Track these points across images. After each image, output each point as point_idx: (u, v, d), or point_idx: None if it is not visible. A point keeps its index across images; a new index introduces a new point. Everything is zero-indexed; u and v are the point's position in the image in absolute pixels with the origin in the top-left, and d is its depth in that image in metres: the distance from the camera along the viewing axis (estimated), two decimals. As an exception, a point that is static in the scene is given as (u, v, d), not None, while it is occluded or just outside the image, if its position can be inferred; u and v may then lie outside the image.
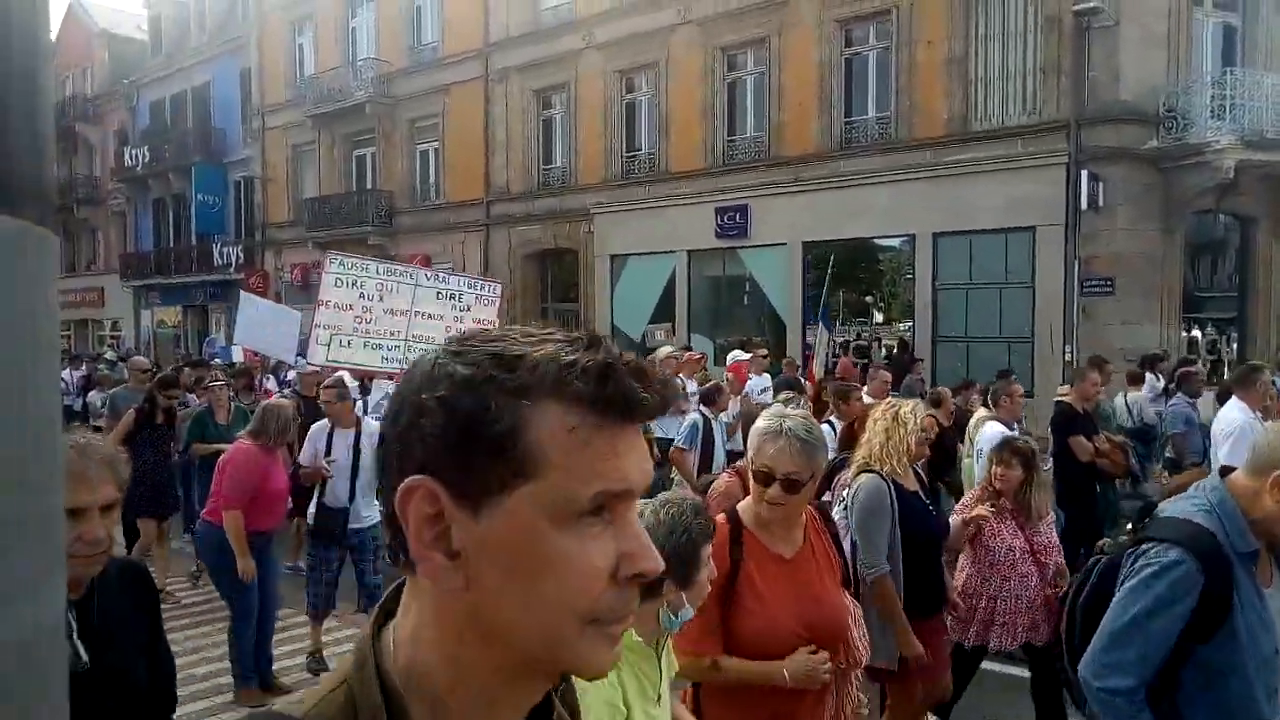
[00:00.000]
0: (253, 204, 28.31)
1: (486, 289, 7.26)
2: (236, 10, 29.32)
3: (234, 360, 14.02)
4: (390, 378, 6.68)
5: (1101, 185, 13.69)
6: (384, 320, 6.54)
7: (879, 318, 18.01)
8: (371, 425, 6.10)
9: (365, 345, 6.48)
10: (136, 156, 31.01)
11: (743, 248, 17.66)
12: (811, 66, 16.52)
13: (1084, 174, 13.62)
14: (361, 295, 6.43)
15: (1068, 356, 13.52)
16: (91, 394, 14.10)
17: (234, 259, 28.40)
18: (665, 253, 18.51)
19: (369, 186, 24.64)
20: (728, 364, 10.69)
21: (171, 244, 31.29)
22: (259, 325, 11.65)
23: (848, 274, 17.84)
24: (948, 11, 15.06)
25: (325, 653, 5.82)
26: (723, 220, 17.56)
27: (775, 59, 17.01)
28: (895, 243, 16.63)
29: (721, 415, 8.06)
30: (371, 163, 24.85)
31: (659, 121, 18.74)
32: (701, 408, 7.78)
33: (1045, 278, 14.24)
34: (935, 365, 14.95)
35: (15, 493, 0.40)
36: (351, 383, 7.57)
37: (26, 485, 0.41)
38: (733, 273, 18.26)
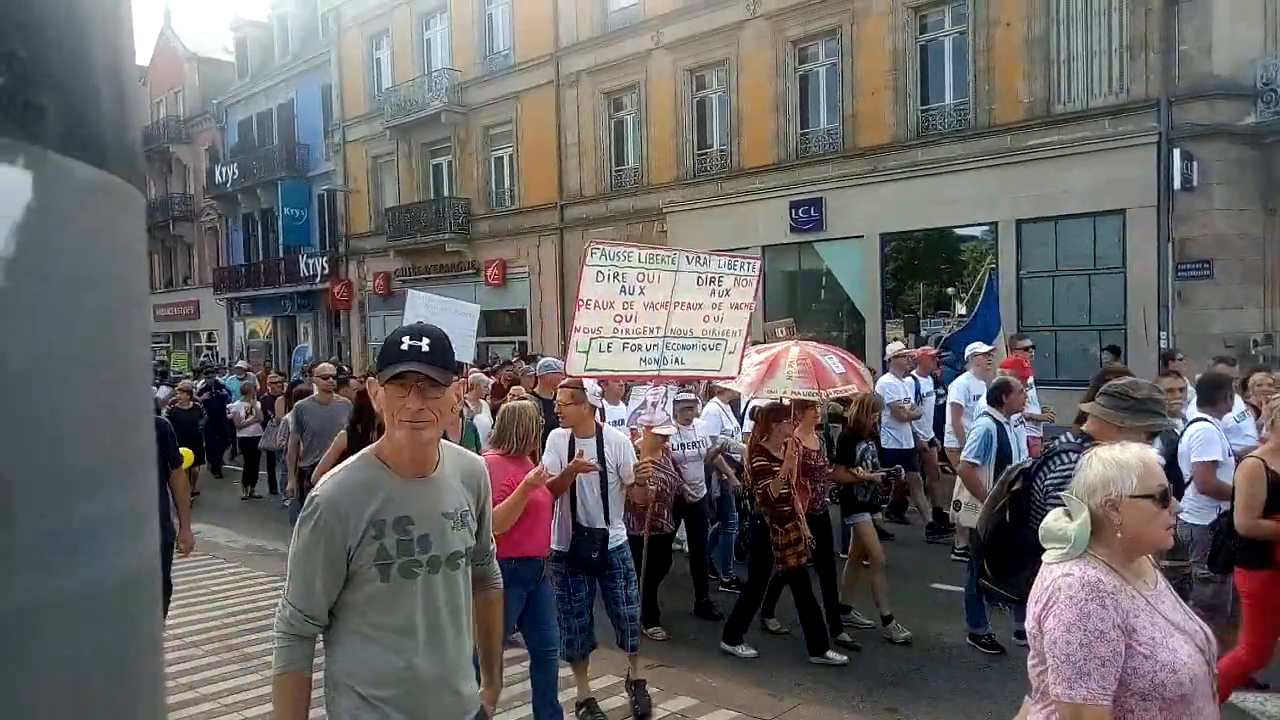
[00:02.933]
0: (336, 216, 29.16)
1: (745, 268, 6.27)
2: (317, 29, 30.27)
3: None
4: (649, 383, 6.02)
5: (1195, 164, 13.12)
6: (644, 316, 5.71)
7: (961, 310, 17.58)
8: (615, 435, 5.49)
9: (625, 347, 5.70)
10: (226, 174, 32.26)
11: (819, 241, 17.45)
12: (885, 55, 16.24)
13: (1176, 153, 13.07)
14: (623, 289, 5.61)
15: (1163, 344, 12.99)
16: (236, 404, 14.10)
17: (319, 270, 29.31)
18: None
19: (446, 194, 25.14)
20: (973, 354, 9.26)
21: (260, 257, 32.45)
22: (430, 323, 11.17)
23: (928, 265, 17.47)
24: (1026, -9, 14.63)
25: (601, 704, 5.11)
26: (797, 214, 17.39)
27: (848, 49, 16.77)
28: (977, 231, 16.22)
29: (1015, 417, 6.69)
30: (448, 171, 25.34)
31: (730, 118, 18.66)
32: (989, 410, 6.57)
33: (1137, 262, 13.71)
34: (1021, 356, 14.51)
35: (110, 433, 0.42)
36: (594, 388, 7.11)
37: (120, 425, 0.43)
38: (809, 267, 18.06)
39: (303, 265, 29.73)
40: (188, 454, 8.51)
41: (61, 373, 0.40)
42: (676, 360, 5.89)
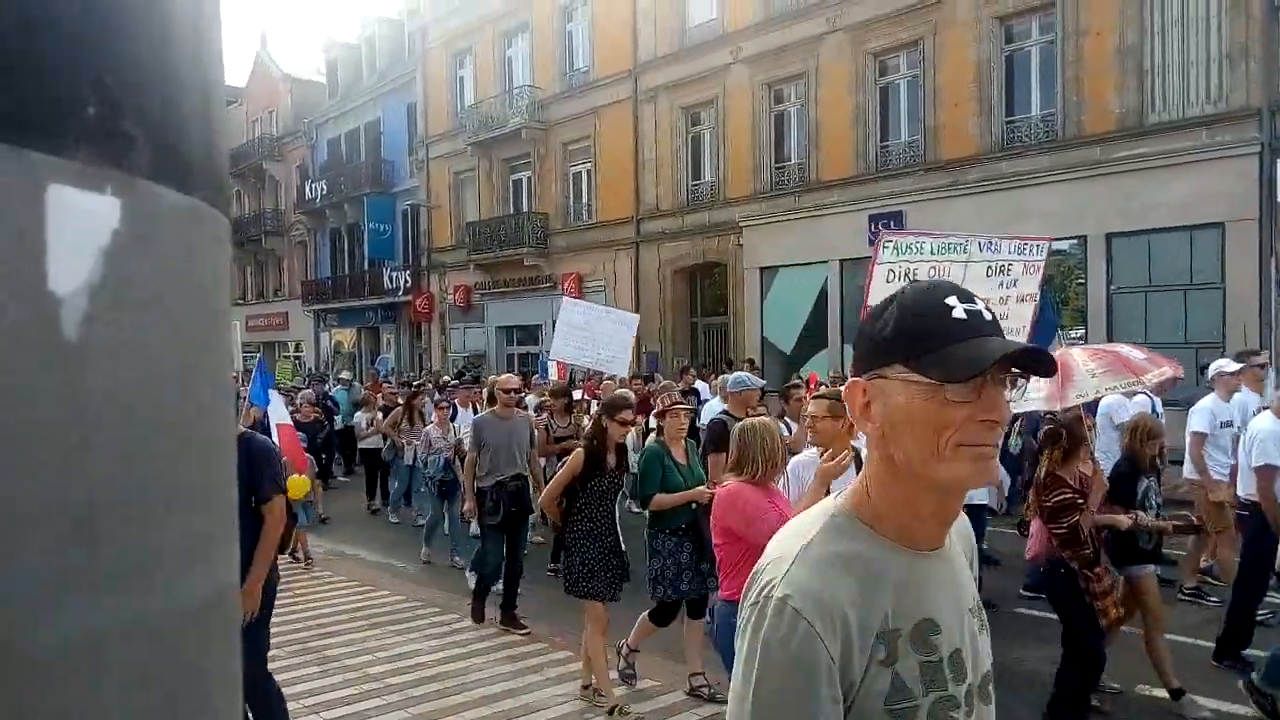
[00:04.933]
0: (419, 230, 29.87)
1: (1033, 251, 5.53)
2: (404, 50, 31.16)
3: (549, 376, 12.89)
4: None
5: (1300, 175, 12.51)
6: None
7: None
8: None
9: None
10: (315, 190, 33.38)
11: (898, 256, 17.14)
12: (969, 66, 15.93)
13: (1279, 164, 12.48)
14: None
15: (1264, 361, 12.36)
16: (358, 415, 13.72)
17: (402, 283, 30.04)
18: (817, 263, 18.22)
19: (525, 209, 25.53)
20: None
21: (346, 270, 33.44)
22: (582, 333, 10.19)
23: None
24: (1118, 1, 14.18)
25: None
26: (876, 228, 17.12)
27: (930, 60, 16.50)
28: (1065, 245, 15.72)
29: None
30: (527, 186, 25.73)
31: (809, 131, 18.52)
32: None
33: (1236, 277, 13.11)
34: (1111, 375, 14.00)
35: (190, 456, 0.44)
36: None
37: (200, 448, 0.44)
38: (888, 282, 17.75)
39: (386, 278, 30.52)
40: (300, 482, 8.00)
41: (144, 396, 0.41)
42: None
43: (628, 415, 5.77)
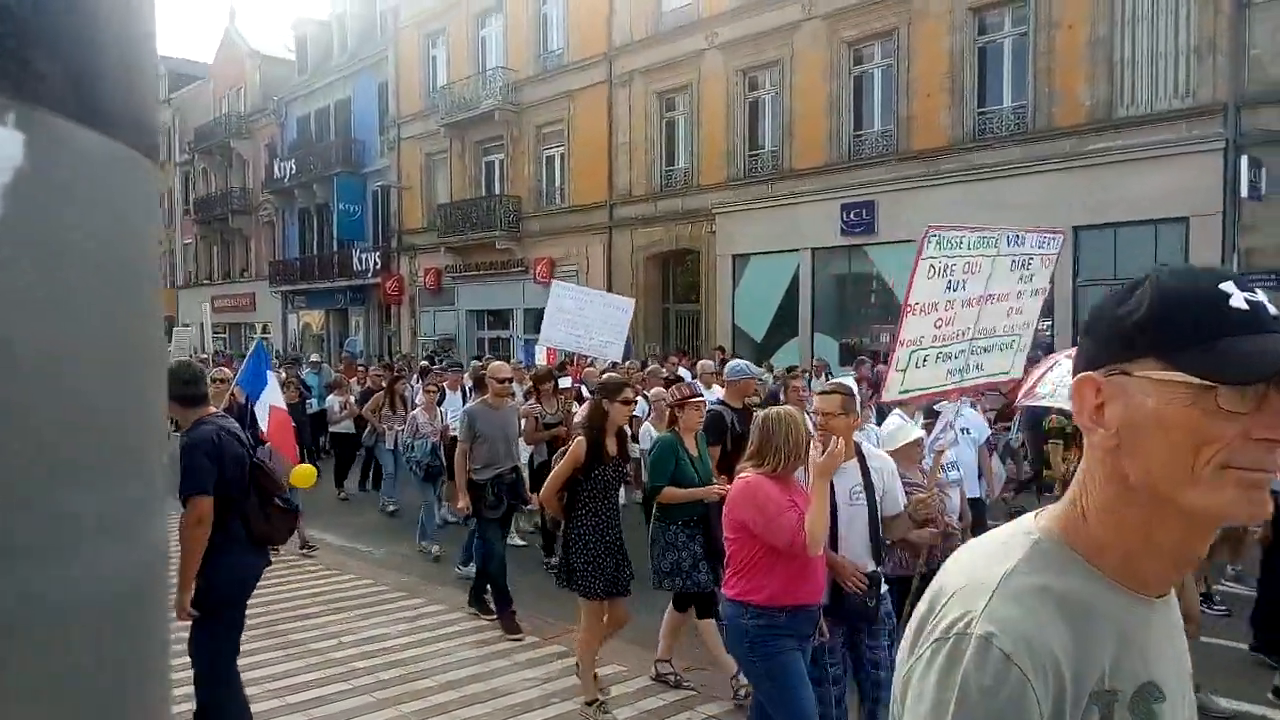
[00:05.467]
0: (389, 212, 29.56)
1: (1049, 244, 5.32)
2: (375, 28, 30.72)
3: (536, 362, 12.24)
4: (950, 398, 4.98)
5: (1264, 171, 12.69)
6: (960, 317, 4.70)
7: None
8: (880, 455, 4.47)
9: (939, 359, 4.65)
10: (284, 169, 32.90)
11: (869, 245, 17.23)
12: (942, 57, 15.99)
13: (1244, 160, 12.66)
14: (948, 285, 4.59)
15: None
16: (330, 398, 13.14)
17: (372, 265, 29.73)
18: (789, 251, 18.26)
19: (497, 192, 25.33)
20: None
21: (315, 251, 33.03)
22: (573, 317, 9.77)
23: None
24: (1090, -7, 14.29)
25: None
26: (848, 217, 17.19)
27: (904, 51, 16.54)
28: (1032, 237, 15.89)
29: None
30: (500, 169, 25.54)
31: (783, 119, 18.52)
32: None
33: (1200, 272, 13.30)
34: (1077, 365, 14.20)
35: (121, 422, 0.41)
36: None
37: (129, 415, 0.42)
38: (859, 270, 17.85)
39: (356, 260, 30.19)
40: (305, 472, 7.90)
41: (57, 353, 0.38)
42: (977, 367, 4.95)
43: (629, 395, 5.44)
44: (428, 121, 26.83)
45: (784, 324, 18.49)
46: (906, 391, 4.65)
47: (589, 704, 5.03)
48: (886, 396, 4.72)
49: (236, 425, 4.58)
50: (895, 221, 16.56)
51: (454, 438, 7.86)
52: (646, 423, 9.02)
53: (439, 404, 10.00)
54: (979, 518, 6.33)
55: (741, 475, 3.92)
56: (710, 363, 11.52)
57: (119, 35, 0.40)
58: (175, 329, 16.44)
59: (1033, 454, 10.50)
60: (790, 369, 10.21)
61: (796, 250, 18.17)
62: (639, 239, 21.49)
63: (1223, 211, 12.99)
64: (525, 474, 8.22)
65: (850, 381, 5.94)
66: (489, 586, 6.78)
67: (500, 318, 26.19)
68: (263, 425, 7.96)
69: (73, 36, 0.38)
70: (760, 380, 7.40)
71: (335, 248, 31.34)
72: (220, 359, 16.03)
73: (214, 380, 9.81)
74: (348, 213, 29.98)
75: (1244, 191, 12.67)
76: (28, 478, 0.36)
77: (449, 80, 26.27)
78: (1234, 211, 12.94)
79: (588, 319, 9.71)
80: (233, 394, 8.10)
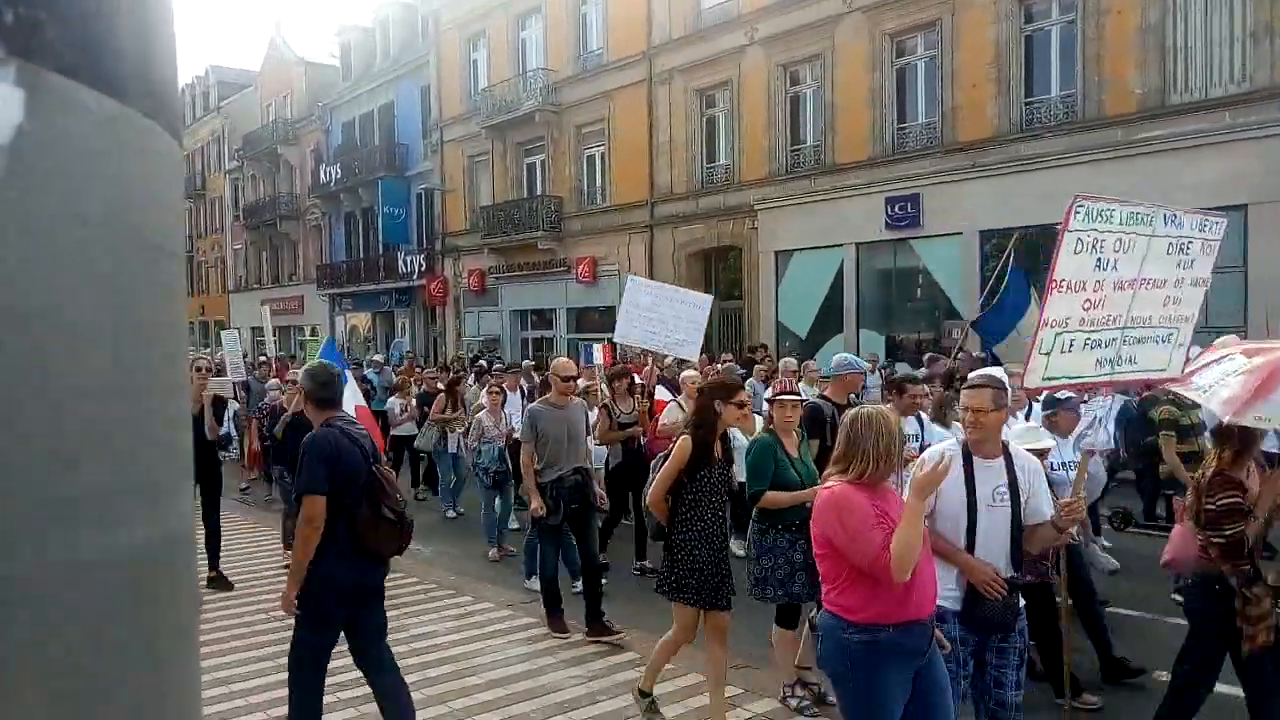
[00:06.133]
0: (433, 214, 29.85)
1: (1211, 228, 4.80)
2: (417, 33, 31.05)
3: (594, 361, 11.91)
4: (1099, 391, 4.56)
5: (1327, 156, 12.29)
6: (1111, 300, 4.27)
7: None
8: (1028, 456, 4.09)
9: (1085, 345, 4.25)
10: (330, 174, 33.38)
11: (915, 238, 17.00)
12: (987, 46, 15.72)
13: (1305, 144, 12.26)
14: (1098, 263, 4.19)
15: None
16: (391, 400, 12.96)
17: (417, 267, 30.04)
18: (833, 246, 18.08)
19: (539, 192, 25.45)
20: None
21: (361, 254, 33.48)
22: (648, 313, 9.42)
23: (1031, 263, 16.83)
24: (1141, -23, 13.95)
25: None
26: (893, 210, 16.97)
27: (947, 41, 16.29)
28: (1083, 228, 15.55)
29: None
30: (541, 169, 25.65)
31: (824, 113, 18.34)
32: None
33: (1260, 260, 12.92)
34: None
35: (137, 399, 0.40)
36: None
37: (142, 385, 0.41)
38: (904, 265, 17.62)
39: (401, 262, 30.53)
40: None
41: (60, 322, 0.37)
42: (1130, 360, 4.47)
43: (744, 397, 5.13)
44: (469, 124, 27.04)
45: (829, 320, 18.32)
46: (1051, 379, 4.20)
47: (643, 694, 4.96)
48: (1028, 383, 4.25)
49: (364, 432, 4.48)
50: (941, 215, 16.33)
51: (518, 440, 7.64)
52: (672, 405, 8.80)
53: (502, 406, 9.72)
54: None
55: (826, 484, 3.60)
56: (793, 361, 11.30)
57: (132, 3, 0.38)
58: (223, 332, 16.65)
59: (1129, 450, 9.27)
60: (907, 378, 8.06)
61: (841, 245, 17.98)
62: (680, 237, 21.44)
63: (1283, 198, 12.59)
64: (602, 474, 7.98)
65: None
66: (542, 587, 6.60)
67: (543, 317, 26.30)
68: None
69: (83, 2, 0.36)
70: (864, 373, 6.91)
71: (381, 250, 31.73)
72: (279, 362, 16.12)
73: (286, 383, 9.93)
74: (392, 216, 30.33)
75: (1305, 177, 12.26)
76: (45, 446, 0.35)
77: (490, 83, 26.45)
78: (1295, 198, 12.54)
79: (663, 315, 9.42)
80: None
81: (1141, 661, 5.60)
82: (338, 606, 4.26)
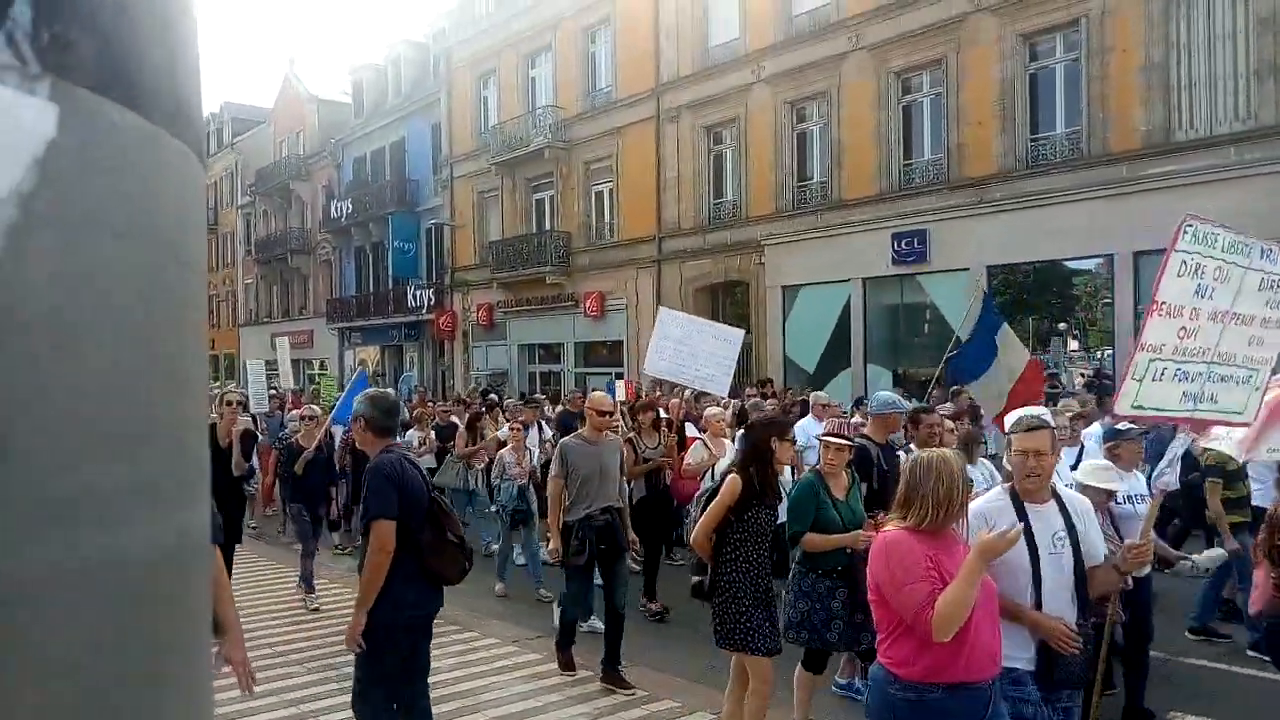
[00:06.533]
0: (443, 249, 30.07)
1: None
2: (428, 71, 31.50)
3: (618, 396, 11.19)
4: (1181, 426, 4.38)
5: (1333, 193, 12.31)
6: (1204, 331, 4.13)
7: (1073, 345, 16.89)
8: (1078, 499, 3.89)
9: (1174, 377, 4.11)
10: (341, 209, 33.72)
11: (921, 274, 17.04)
12: (992, 84, 15.87)
13: (1311, 181, 12.30)
14: (1198, 289, 4.02)
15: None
16: (410, 433, 12.09)
17: (426, 301, 30.21)
18: (840, 281, 18.14)
19: (548, 228, 25.64)
20: None
21: (371, 288, 33.69)
22: (678, 346, 9.15)
23: (1037, 299, 16.85)
24: (1144, 18, 14.09)
25: None
26: (900, 246, 17.04)
27: (953, 79, 16.45)
28: (1090, 264, 15.58)
29: None
30: (550, 205, 25.86)
31: (831, 149, 18.49)
32: None
33: (1268, 297, 12.90)
34: (1139, 394, 13.79)
35: (156, 401, 0.41)
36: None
37: (158, 390, 0.42)
38: (911, 300, 17.65)
39: (410, 296, 30.71)
40: None
41: (86, 327, 0.38)
42: (1211, 398, 4.28)
43: (796, 435, 5.05)
44: (479, 160, 27.32)
45: (836, 354, 18.32)
46: (1140, 407, 4.00)
47: None
48: (1119, 409, 4.07)
49: (416, 459, 4.49)
50: (947, 250, 16.38)
51: (543, 477, 7.46)
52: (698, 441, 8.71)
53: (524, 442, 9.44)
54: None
55: (884, 528, 3.43)
56: (825, 395, 10.85)
57: (159, 21, 0.40)
58: (248, 363, 16.76)
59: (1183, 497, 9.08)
60: (921, 409, 7.40)
61: (848, 280, 18.03)
62: (688, 271, 21.54)
63: (1290, 234, 12.60)
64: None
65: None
66: (559, 623, 6.43)
67: (551, 351, 26.36)
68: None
69: (108, 18, 0.38)
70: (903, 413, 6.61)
71: (390, 285, 31.94)
72: (294, 396, 16.09)
73: (304, 419, 9.79)
74: (402, 250, 30.56)
75: (1312, 214, 12.27)
76: (55, 447, 0.36)
77: (500, 120, 26.77)
78: (1302, 234, 12.55)
79: (694, 349, 9.14)
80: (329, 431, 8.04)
81: (1158, 705, 5.48)
82: (404, 634, 4.23)
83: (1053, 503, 3.68)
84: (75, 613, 0.38)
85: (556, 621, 6.63)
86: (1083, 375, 15.86)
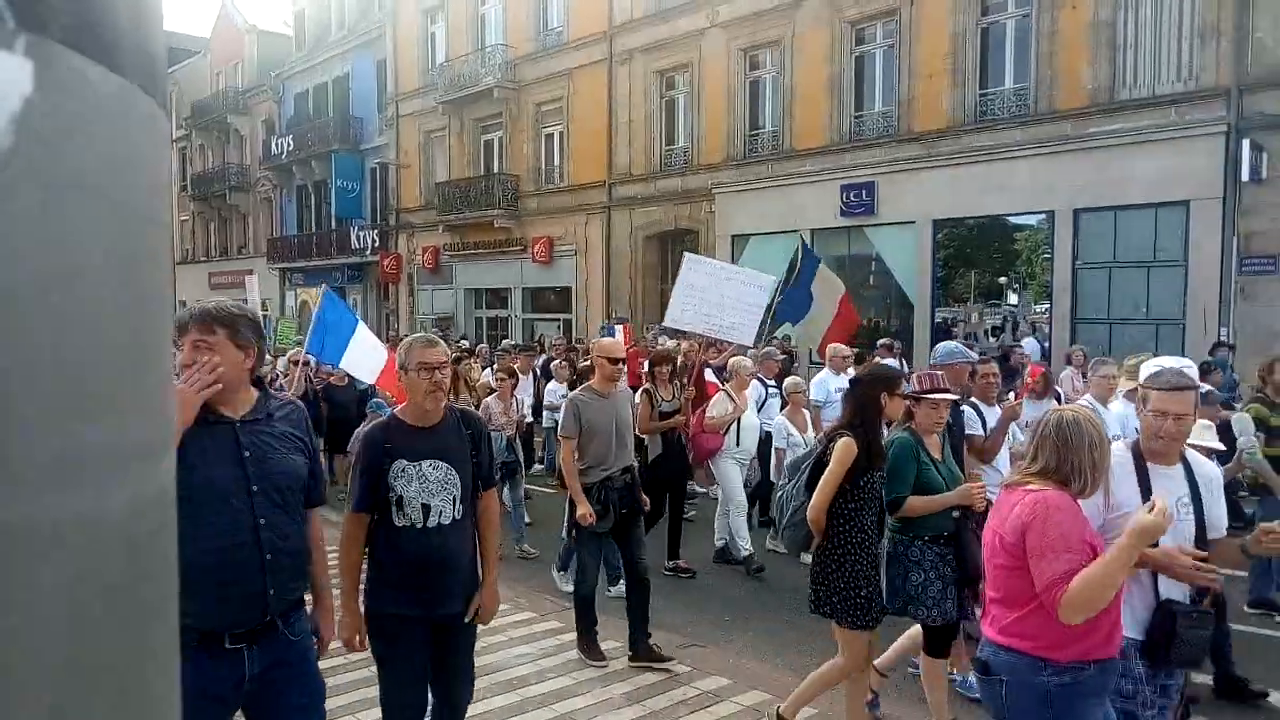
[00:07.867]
0: (387, 189, 29.44)
1: None
2: (373, 4, 30.47)
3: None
4: None
5: (1265, 156, 12.67)
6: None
7: (1013, 299, 17.28)
8: (1206, 465, 3.56)
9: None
10: (282, 146, 32.70)
11: (869, 226, 17.21)
12: (944, 37, 15.90)
13: (1245, 144, 12.63)
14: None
15: (1223, 338, 12.62)
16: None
17: (370, 242, 29.64)
18: (788, 231, 18.21)
19: (496, 170, 25.23)
20: None
21: (313, 229, 32.90)
22: (703, 294, 8.59)
23: (981, 254, 17.16)
24: (1094, -27, 14.21)
25: None
26: (848, 198, 17.15)
27: (906, 31, 16.44)
28: (1033, 220, 15.88)
29: None
30: (499, 147, 25.42)
31: (783, 99, 18.43)
32: None
33: (1199, 256, 13.31)
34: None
35: (135, 360, 0.41)
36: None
37: (132, 352, 0.42)
38: (858, 252, 17.83)
39: (354, 237, 30.09)
40: None
41: (67, 284, 0.38)
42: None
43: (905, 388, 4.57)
44: (426, 99, 26.67)
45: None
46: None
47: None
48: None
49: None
50: (895, 203, 16.54)
51: (529, 429, 6.98)
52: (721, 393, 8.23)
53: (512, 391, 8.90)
54: None
55: (1029, 485, 3.02)
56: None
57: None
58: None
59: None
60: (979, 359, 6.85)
61: (796, 231, 18.11)
62: (638, 218, 21.43)
63: (1223, 195, 12.97)
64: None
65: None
66: (576, 604, 5.75)
67: (498, 296, 26.15)
68: (369, 379, 7.66)
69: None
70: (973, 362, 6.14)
71: (333, 225, 31.23)
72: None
73: (293, 363, 8.95)
74: (346, 190, 29.84)
75: (1245, 175, 12.65)
76: (30, 408, 0.36)
77: (448, 58, 26.10)
78: (1234, 195, 12.93)
79: (721, 297, 8.57)
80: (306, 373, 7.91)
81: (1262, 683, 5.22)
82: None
83: (1180, 466, 3.41)
84: (57, 571, 0.37)
85: (560, 585, 6.22)
86: (1033, 326, 16.26)
